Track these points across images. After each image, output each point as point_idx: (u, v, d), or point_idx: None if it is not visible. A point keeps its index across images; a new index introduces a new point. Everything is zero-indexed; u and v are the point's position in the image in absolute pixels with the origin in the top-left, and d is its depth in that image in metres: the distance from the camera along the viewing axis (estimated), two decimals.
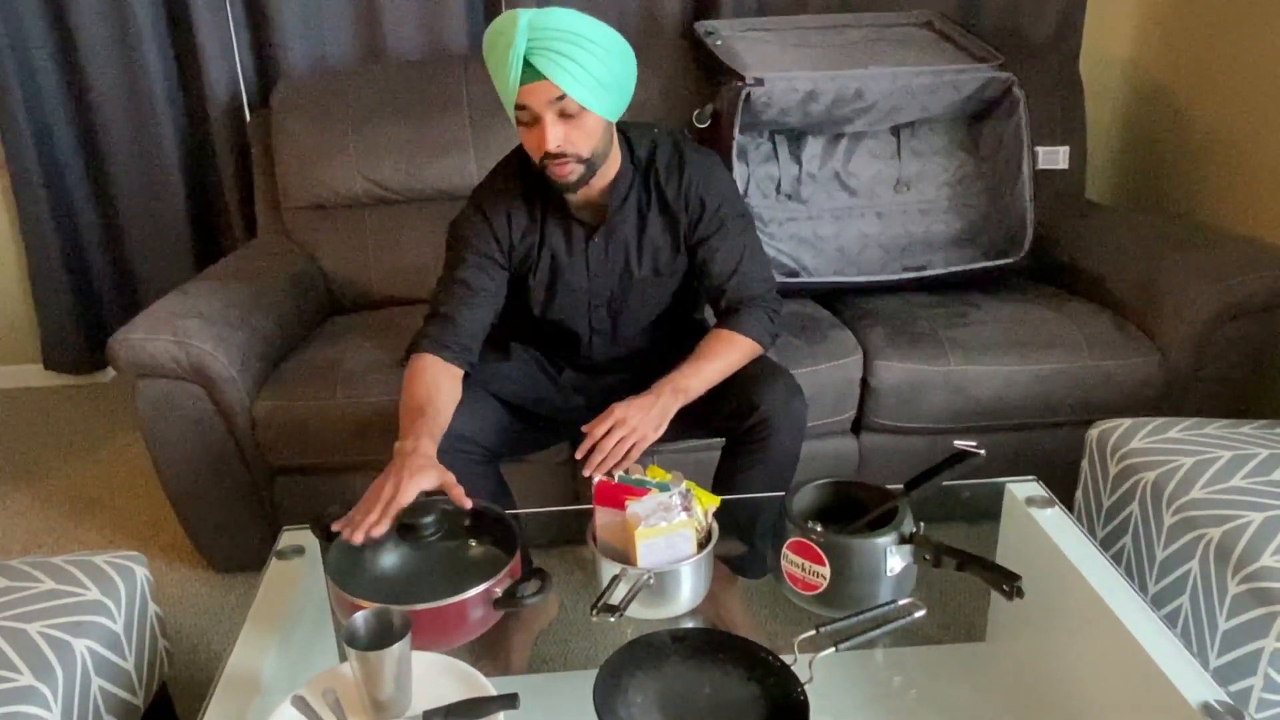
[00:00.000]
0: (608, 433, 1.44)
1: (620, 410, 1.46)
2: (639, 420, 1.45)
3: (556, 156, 1.45)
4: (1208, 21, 2.43)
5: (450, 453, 1.53)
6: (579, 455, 1.45)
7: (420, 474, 1.29)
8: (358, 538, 1.23)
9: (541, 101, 1.41)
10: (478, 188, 1.65)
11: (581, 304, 1.68)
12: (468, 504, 1.30)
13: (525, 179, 1.61)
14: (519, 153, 1.63)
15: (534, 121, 1.44)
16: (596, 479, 1.34)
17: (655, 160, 1.61)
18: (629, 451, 1.44)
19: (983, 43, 2.34)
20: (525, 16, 1.38)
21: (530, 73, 1.38)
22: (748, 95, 2.16)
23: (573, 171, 1.47)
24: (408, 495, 1.27)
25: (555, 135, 1.43)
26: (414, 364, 1.55)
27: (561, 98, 1.40)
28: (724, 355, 1.58)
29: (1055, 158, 2.41)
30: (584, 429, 1.46)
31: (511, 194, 1.61)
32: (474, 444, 1.56)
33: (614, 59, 1.44)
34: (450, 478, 1.32)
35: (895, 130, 2.34)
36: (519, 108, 1.43)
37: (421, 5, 2.54)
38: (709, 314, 1.80)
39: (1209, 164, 2.45)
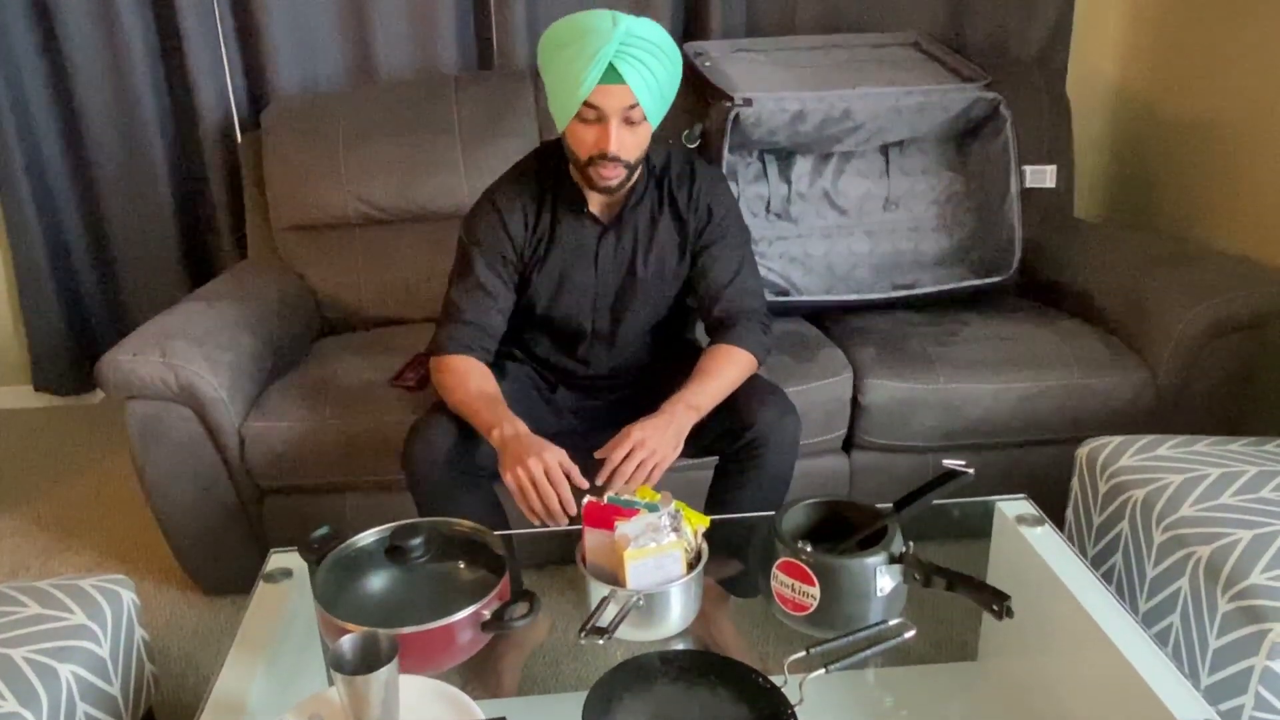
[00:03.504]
0: (627, 456, 1.43)
1: (637, 432, 1.44)
2: (657, 441, 1.44)
3: (611, 159, 1.48)
4: (1194, 40, 2.45)
5: (445, 472, 1.52)
6: (600, 481, 1.43)
7: (546, 448, 1.39)
8: (561, 521, 1.36)
9: (615, 106, 1.45)
10: (492, 185, 1.68)
11: (587, 302, 1.69)
12: (585, 484, 1.38)
13: (540, 179, 1.64)
14: (534, 155, 1.67)
15: (597, 120, 1.47)
16: (586, 500, 1.33)
17: (669, 168, 1.65)
18: (650, 473, 1.43)
19: (970, 62, 2.36)
20: (623, 21, 1.43)
21: (611, 75, 1.42)
22: (736, 115, 2.17)
23: (618, 175, 1.52)
24: (554, 467, 1.37)
25: (619, 138, 1.47)
26: (451, 364, 1.59)
27: (633, 106, 1.45)
28: (727, 371, 1.59)
29: (1043, 176, 2.43)
30: (599, 454, 1.44)
31: (525, 192, 1.64)
32: (470, 464, 1.56)
33: (677, 73, 1.51)
34: (563, 453, 1.41)
35: (884, 149, 2.36)
36: (587, 105, 1.45)
37: (413, 26, 2.55)
38: (699, 333, 1.80)
39: (1196, 182, 2.46)
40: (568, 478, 1.39)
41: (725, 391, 1.57)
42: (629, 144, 1.49)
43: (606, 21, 1.42)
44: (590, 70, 1.41)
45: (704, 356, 1.61)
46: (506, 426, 1.44)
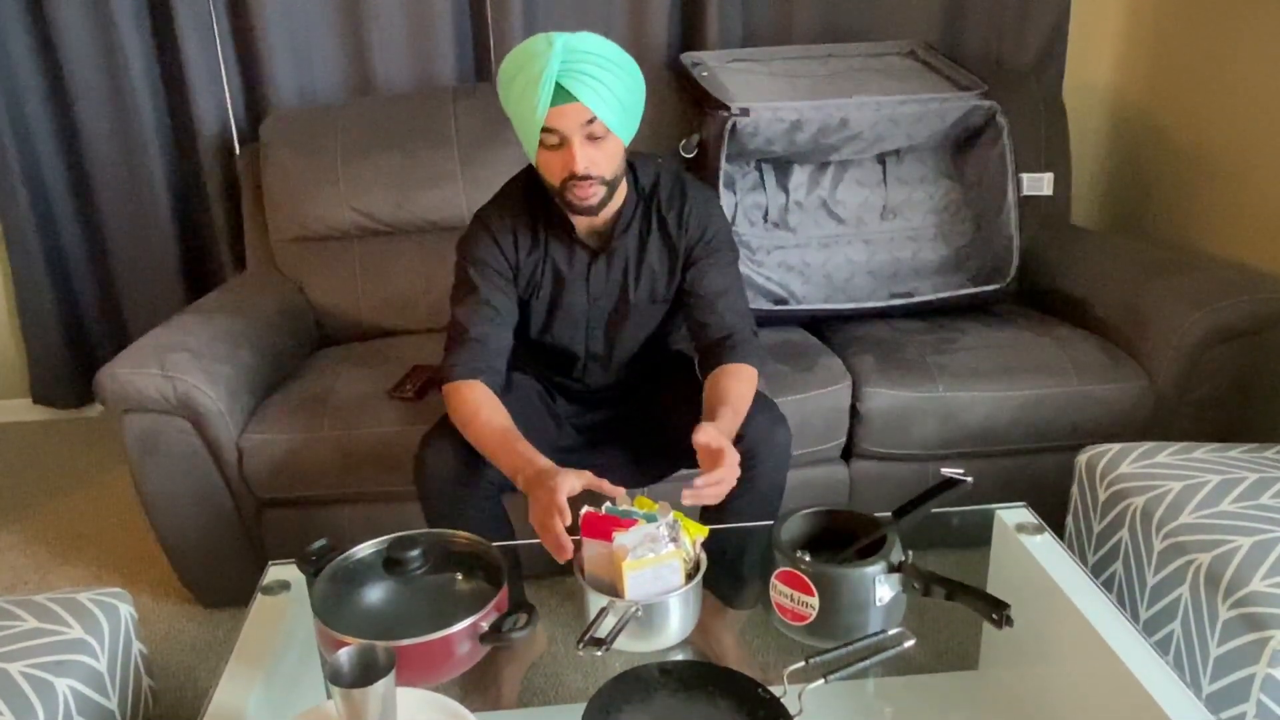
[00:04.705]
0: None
1: (731, 452, 1.35)
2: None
3: (582, 179, 1.46)
4: (1190, 47, 2.46)
5: (455, 486, 1.52)
6: (691, 497, 1.32)
7: (561, 477, 1.31)
8: (565, 556, 1.27)
9: (571, 124, 1.43)
10: (484, 208, 1.66)
11: (580, 326, 1.69)
12: (620, 492, 1.31)
13: (531, 203, 1.62)
14: (523, 178, 1.65)
15: (560, 144, 1.45)
16: (586, 510, 1.33)
17: (658, 189, 1.63)
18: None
19: (966, 71, 2.36)
20: (559, 40, 1.40)
21: (561, 94, 1.40)
22: (734, 125, 2.17)
23: (596, 194, 1.49)
24: (563, 500, 1.28)
25: (584, 156, 1.45)
26: (461, 394, 1.54)
27: (591, 120, 1.43)
28: (745, 392, 1.54)
29: (1040, 184, 2.43)
30: (704, 482, 1.32)
31: (517, 216, 1.62)
32: (480, 477, 1.55)
33: (635, 84, 1.48)
34: (589, 475, 1.33)
35: (881, 158, 2.36)
36: (546, 130, 1.44)
37: (410, 39, 2.56)
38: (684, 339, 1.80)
39: (1193, 188, 2.47)
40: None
41: (745, 412, 1.53)
42: (598, 160, 1.46)
43: (543, 44, 1.41)
44: (540, 94, 1.39)
45: (720, 380, 1.55)
46: (528, 469, 1.38)
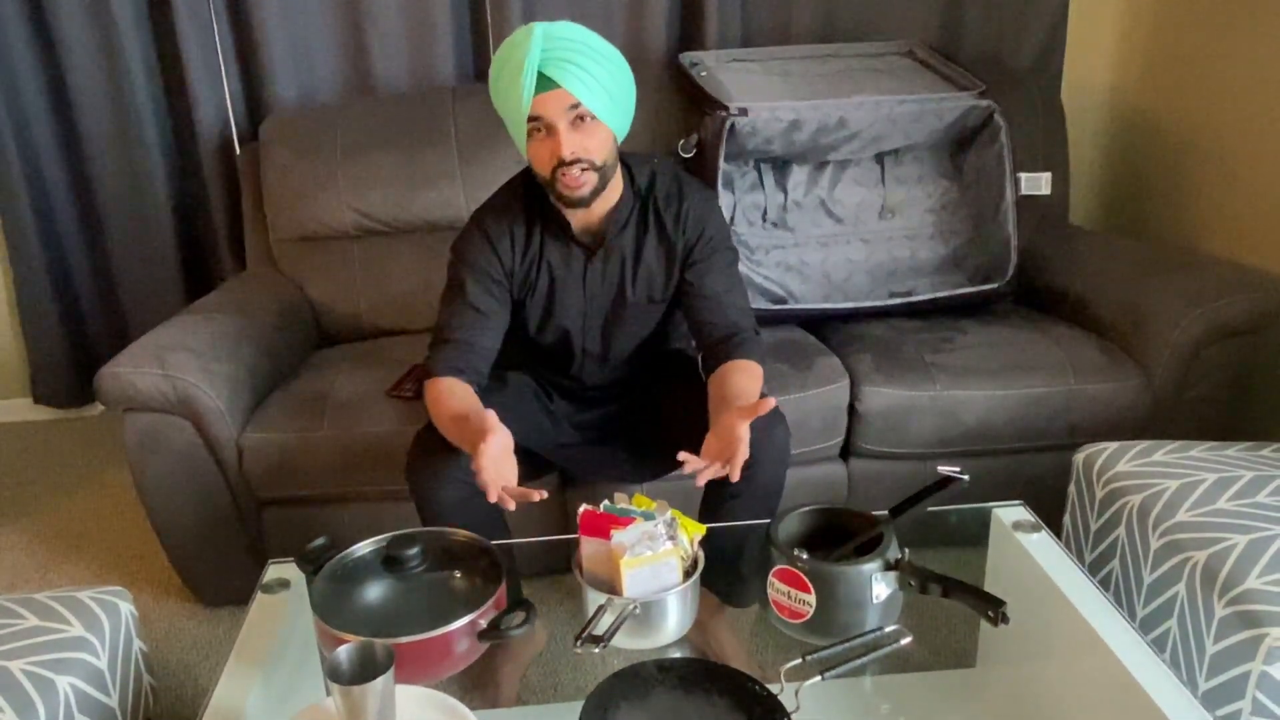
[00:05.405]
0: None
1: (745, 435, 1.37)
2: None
3: (570, 164, 1.46)
4: (1188, 47, 2.46)
5: (447, 484, 1.52)
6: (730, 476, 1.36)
7: (489, 435, 1.34)
8: (509, 504, 1.33)
9: (556, 110, 1.43)
10: (480, 209, 1.66)
11: (576, 325, 1.69)
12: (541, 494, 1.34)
13: (528, 203, 1.62)
14: (522, 178, 1.65)
15: (546, 133, 1.46)
16: (584, 508, 1.33)
17: (655, 189, 1.63)
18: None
19: (964, 71, 2.37)
20: (539, 28, 1.41)
21: (544, 82, 1.41)
22: (732, 125, 2.18)
23: (588, 181, 1.49)
24: (490, 459, 1.33)
25: (570, 141, 1.45)
26: (438, 386, 1.55)
27: (575, 105, 1.43)
28: (752, 387, 1.54)
29: (1038, 183, 2.44)
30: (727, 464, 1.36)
31: (513, 216, 1.62)
32: (467, 474, 1.55)
33: (620, 73, 1.48)
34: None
35: (879, 158, 2.37)
36: (532, 120, 1.45)
37: (409, 39, 2.56)
38: (682, 338, 1.81)
39: (1191, 188, 2.47)
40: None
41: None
42: (587, 145, 1.46)
43: (523, 34, 1.42)
44: (523, 83, 1.40)
45: (727, 376, 1.55)
46: (478, 436, 1.38)
